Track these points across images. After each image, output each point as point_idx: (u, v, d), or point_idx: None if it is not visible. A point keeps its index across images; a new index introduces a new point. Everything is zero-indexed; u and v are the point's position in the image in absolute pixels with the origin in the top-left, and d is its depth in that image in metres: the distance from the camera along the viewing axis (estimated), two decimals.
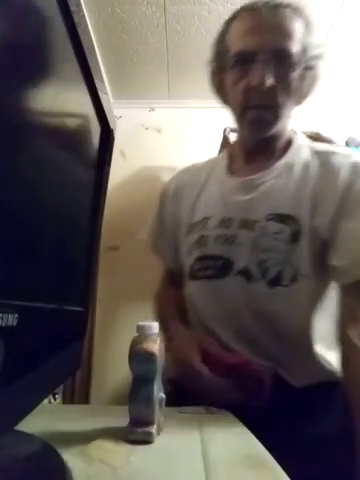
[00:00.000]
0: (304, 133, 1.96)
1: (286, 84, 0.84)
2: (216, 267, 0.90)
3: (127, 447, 0.53)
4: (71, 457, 0.48)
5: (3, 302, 0.31)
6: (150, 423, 0.56)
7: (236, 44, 0.86)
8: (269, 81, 0.81)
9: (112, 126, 0.67)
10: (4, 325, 0.30)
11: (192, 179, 1.07)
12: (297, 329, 0.84)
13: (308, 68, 0.87)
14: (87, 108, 0.57)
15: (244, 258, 0.86)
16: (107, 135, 0.66)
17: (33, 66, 0.36)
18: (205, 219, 0.96)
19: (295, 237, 0.83)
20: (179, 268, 1.05)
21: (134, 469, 0.47)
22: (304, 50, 0.84)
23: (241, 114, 0.89)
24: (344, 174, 0.83)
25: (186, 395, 0.80)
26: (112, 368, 2.14)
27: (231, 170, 1.00)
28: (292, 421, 0.79)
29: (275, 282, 0.83)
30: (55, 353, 0.49)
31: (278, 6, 0.83)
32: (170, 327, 0.95)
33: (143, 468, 0.48)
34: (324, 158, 0.89)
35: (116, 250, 2.32)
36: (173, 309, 1.04)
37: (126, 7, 1.79)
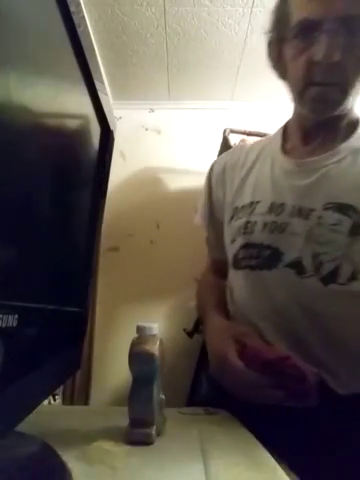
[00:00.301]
0: None
1: (357, 58, 0.73)
2: (262, 257, 0.81)
3: (127, 448, 0.53)
4: (71, 458, 0.48)
5: (3, 303, 0.31)
6: (150, 424, 0.56)
7: (299, 11, 0.75)
8: (337, 55, 0.70)
9: (112, 127, 0.67)
10: (4, 326, 0.30)
11: (240, 159, 0.97)
12: (353, 333, 0.74)
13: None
14: (87, 109, 0.57)
15: (296, 249, 0.77)
16: (107, 136, 0.66)
17: (33, 67, 0.37)
18: (253, 203, 0.86)
19: (356, 230, 0.73)
20: (224, 257, 0.96)
21: (134, 470, 0.47)
22: None
23: (302, 91, 0.78)
24: None
25: (223, 392, 0.75)
26: (112, 369, 2.14)
27: (285, 150, 0.89)
28: (335, 430, 0.70)
29: (330, 279, 0.74)
30: (55, 354, 0.49)
31: None
32: (207, 318, 0.89)
33: (143, 469, 0.48)
34: None
35: (116, 251, 2.32)
36: (212, 298, 0.94)
37: (126, 8, 1.79)
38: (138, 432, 0.56)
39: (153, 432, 0.56)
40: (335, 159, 0.80)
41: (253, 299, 0.83)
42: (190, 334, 2.01)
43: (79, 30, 0.48)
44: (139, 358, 0.57)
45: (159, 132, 2.48)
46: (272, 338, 0.77)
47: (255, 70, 2.19)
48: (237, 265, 0.87)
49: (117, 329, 2.18)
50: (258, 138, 1.97)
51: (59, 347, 0.52)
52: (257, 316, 0.81)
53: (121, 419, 0.58)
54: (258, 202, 0.85)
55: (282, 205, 0.81)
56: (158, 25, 1.88)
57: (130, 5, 1.77)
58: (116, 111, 2.10)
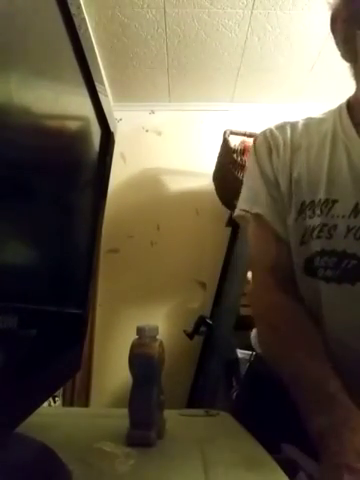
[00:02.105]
0: None
1: None
2: (346, 268, 0.68)
3: (127, 450, 0.53)
4: (71, 460, 0.48)
5: (4, 305, 0.31)
6: (150, 426, 0.56)
7: None
8: None
9: (112, 129, 0.67)
10: (4, 327, 0.30)
11: (295, 139, 0.79)
12: None
13: None
14: (87, 111, 0.57)
15: None
16: (107, 138, 0.66)
17: (34, 69, 0.37)
18: (329, 201, 0.71)
19: None
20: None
21: (134, 472, 0.47)
22: None
23: None
24: None
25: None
26: (112, 371, 2.14)
27: None
28: None
29: None
30: (55, 356, 0.49)
31: None
32: (334, 406, 0.55)
33: (143, 471, 0.48)
34: None
35: (116, 253, 2.32)
36: (320, 356, 0.63)
37: (126, 10, 1.79)
38: (138, 434, 0.56)
39: (153, 434, 0.56)
40: None
41: (329, 320, 0.70)
42: (190, 335, 2.01)
43: (80, 32, 0.48)
44: (139, 360, 0.57)
45: (159, 134, 2.48)
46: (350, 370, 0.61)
47: (255, 72, 2.19)
48: (311, 273, 0.72)
49: (117, 331, 2.18)
50: None
51: (59, 349, 0.52)
52: (346, 333, 0.68)
53: (121, 421, 0.58)
54: (336, 201, 0.70)
55: None
56: (158, 27, 1.89)
57: (130, 7, 1.77)
58: (116, 113, 2.11)
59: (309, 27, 1.87)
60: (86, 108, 0.57)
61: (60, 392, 1.81)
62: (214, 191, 2.15)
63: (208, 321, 2.04)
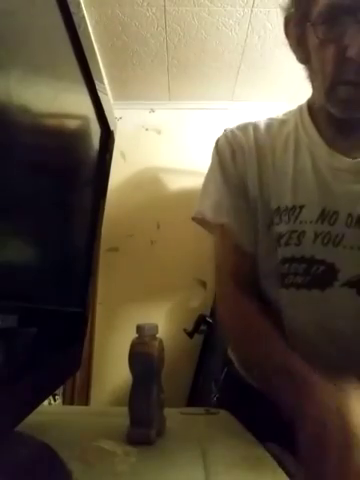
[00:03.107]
0: None
1: None
2: (314, 274, 0.69)
3: (127, 448, 0.53)
4: (71, 458, 0.48)
5: (3, 303, 0.31)
6: (150, 424, 0.56)
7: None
8: None
9: (112, 127, 0.67)
10: (4, 326, 0.30)
11: (261, 141, 0.77)
12: None
13: None
14: (87, 109, 0.57)
15: (356, 265, 0.67)
16: (107, 136, 0.66)
17: (33, 68, 0.37)
18: (296, 208, 0.71)
19: None
20: (253, 251, 0.76)
21: (134, 470, 0.47)
22: None
23: (329, 89, 0.66)
24: None
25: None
26: (112, 369, 2.14)
27: (326, 139, 0.73)
28: None
29: None
30: (55, 354, 0.50)
31: None
32: (298, 372, 0.55)
33: (143, 469, 0.48)
34: None
35: (116, 251, 2.32)
36: (279, 345, 0.62)
37: (126, 9, 1.79)
38: (138, 432, 0.56)
39: (153, 432, 0.56)
40: None
41: (301, 325, 0.71)
42: (190, 334, 2.01)
43: (79, 30, 0.48)
44: (139, 358, 0.57)
45: (159, 132, 2.48)
46: (336, 365, 0.64)
47: (255, 70, 2.19)
48: (281, 283, 0.72)
49: (117, 329, 2.18)
50: None
51: (59, 347, 0.52)
52: (306, 346, 0.67)
53: (121, 419, 0.58)
54: (303, 207, 0.71)
55: (336, 212, 0.69)
56: (158, 25, 1.88)
57: (130, 5, 1.77)
58: (116, 111, 2.10)
59: None
60: (86, 107, 0.57)
61: (60, 390, 1.81)
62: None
63: (208, 320, 2.04)
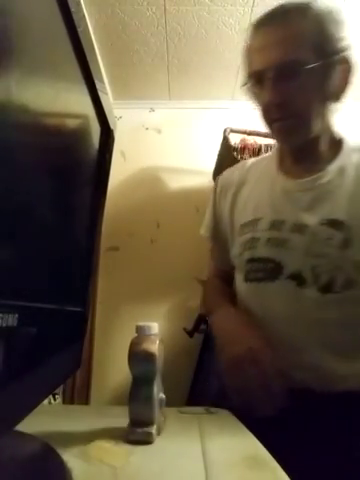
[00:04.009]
0: None
1: (301, 93, 0.82)
2: (266, 270, 0.88)
3: (127, 447, 0.53)
4: (71, 457, 0.48)
5: (4, 302, 0.31)
6: (150, 423, 0.56)
7: (249, 65, 0.88)
8: (276, 98, 0.82)
9: (112, 127, 0.67)
10: (5, 325, 0.31)
11: (242, 177, 1.04)
12: (350, 335, 0.82)
13: (331, 65, 0.81)
14: (87, 109, 0.57)
15: (296, 262, 0.85)
16: (107, 136, 0.66)
17: (33, 67, 0.37)
18: (255, 220, 0.93)
19: (347, 243, 0.81)
20: (228, 269, 1.04)
21: (134, 469, 0.47)
22: (321, 49, 0.80)
23: (269, 127, 0.89)
24: None
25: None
26: (112, 368, 2.14)
27: (282, 169, 0.96)
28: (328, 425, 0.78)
29: (327, 289, 0.81)
30: (55, 353, 0.50)
31: (283, 14, 0.83)
32: (217, 310, 0.96)
33: (143, 468, 0.48)
34: None
35: (116, 251, 2.32)
36: (222, 298, 1.01)
37: (126, 8, 1.79)
38: (138, 431, 0.56)
39: (153, 431, 0.56)
40: (326, 179, 0.88)
41: (260, 308, 0.91)
42: (190, 333, 2.01)
43: (79, 30, 0.48)
44: (139, 358, 0.57)
45: (159, 131, 2.47)
46: (275, 344, 0.82)
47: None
48: (246, 278, 0.94)
49: (117, 329, 2.18)
50: (258, 137, 1.97)
51: (59, 346, 0.52)
52: (264, 324, 0.87)
53: (121, 418, 0.58)
54: (260, 219, 0.92)
55: (282, 222, 0.89)
56: (158, 24, 1.88)
57: (130, 4, 1.77)
58: (116, 111, 2.10)
59: None
60: (86, 106, 0.57)
61: (60, 390, 1.81)
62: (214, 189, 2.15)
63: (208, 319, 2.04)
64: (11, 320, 0.32)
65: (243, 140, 1.93)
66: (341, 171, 0.88)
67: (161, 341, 0.60)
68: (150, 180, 2.40)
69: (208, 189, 2.22)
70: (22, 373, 0.37)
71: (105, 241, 2.18)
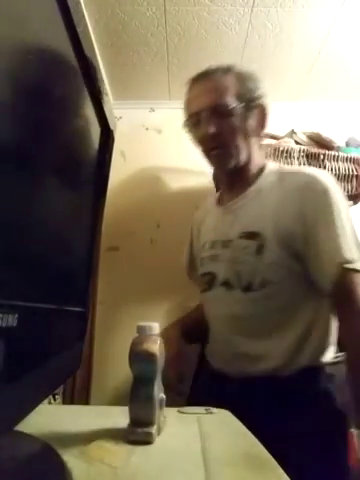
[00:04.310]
0: (304, 134, 1.96)
1: (228, 128, 1.05)
2: (207, 282, 1.13)
3: (127, 447, 0.53)
4: (71, 458, 0.48)
5: (3, 302, 0.31)
6: (150, 423, 0.56)
7: (188, 110, 1.16)
8: (211, 129, 1.04)
9: (112, 127, 0.67)
10: (4, 325, 0.30)
11: (203, 213, 1.32)
12: (268, 326, 1.01)
13: (250, 108, 1.08)
14: (87, 109, 0.57)
15: (225, 272, 1.07)
16: (107, 136, 0.66)
17: (33, 67, 0.37)
18: (204, 244, 1.19)
19: (260, 250, 1.00)
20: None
21: (134, 469, 0.47)
22: (241, 97, 1.06)
23: (205, 156, 1.14)
24: (299, 192, 0.99)
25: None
26: (112, 368, 2.14)
27: (219, 200, 1.24)
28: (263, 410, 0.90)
29: (247, 288, 1.01)
30: (55, 353, 0.50)
31: (212, 72, 1.11)
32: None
33: (143, 468, 0.48)
34: (285, 179, 1.06)
35: (116, 250, 2.32)
36: (185, 319, 1.38)
37: (126, 8, 1.79)
38: (138, 431, 0.56)
39: (153, 431, 0.56)
40: (245, 200, 1.10)
41: (207, 313, 1.17)
42: None
43: (79, 30, 0.48)
44: (139, 358, 0.57)
45: (160, 132, 2.47)
46: (215, 339, 1.14)
47: (255, 70, 2.18)
48: (200, 290, 1.20)
49: (117, 328, 2.18)
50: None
51: (59, 346, 0.52)
52: (211, 324, 1.15)
53: (121, 418, 0.58)
54: (206, 242, 1.19)
55: (216, 241, 1.13)
56: (158, 24, 1.88)
57: (130, 5, 1.77)
58: (116, 111, 2.10)
59: (309, 25, 1.87)
60: (86, 106, 0.57)
61: (60, 390, 1.81)
62: (214, 189, 2.15)
63: None
64: (11, 320, 0.32)
65: None
66: (258, 192, 1.08)
67: (162, 341, 0.60)
68: (150, 180, 2.40)
69: (208, 189, 2.22)
70: (22, 373, 0.37)
71: (105, 241, 2.18)
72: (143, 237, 2.34)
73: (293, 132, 1.97)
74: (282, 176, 1.07)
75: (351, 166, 1.85)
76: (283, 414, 0.90)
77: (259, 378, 0.97)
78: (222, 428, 0.65)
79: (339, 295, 0.94)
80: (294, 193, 1.00)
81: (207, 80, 1.11)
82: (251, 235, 1.02)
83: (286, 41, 1.96)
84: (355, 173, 1.85)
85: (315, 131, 1.96)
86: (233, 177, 1.14)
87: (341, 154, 1.86)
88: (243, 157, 1.08)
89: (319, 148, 1.89)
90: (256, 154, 1.12)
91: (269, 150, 1.82)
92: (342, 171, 1.84)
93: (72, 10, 0.45)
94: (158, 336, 0.60)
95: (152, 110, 2.49)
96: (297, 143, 1.93)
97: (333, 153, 1.85)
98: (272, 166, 1.14)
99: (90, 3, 1.73)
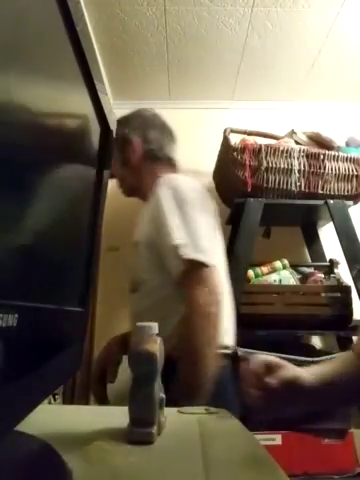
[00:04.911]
0: (304, 134, 1.96)
1: (121, 178, 1.47)
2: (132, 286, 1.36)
3: (127, 447, 0.53)
4: (71, 458, 0.48)
5: (3, 302, 0.31)
6: (150, 423, 0.56)
7: None
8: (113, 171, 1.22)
9: (112, 127, 0.67)
10: (4, 325, 0.30)
11: None
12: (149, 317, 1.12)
13: (119, 150, 1.39)
14: (87, 109, 0.57)
15: (130, 277, 1.36)
16: (107, 136, 0.66)
17: (33, 67, 0.37)
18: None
19: (137, 255, 1.25)
20: None
21: (134, 469, 0.47)
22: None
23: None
24: (153, 201, 1.21)
25: None
26: None
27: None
28: None
29: (134, 290, 1.29)
30: (55, 354, 0.49)
31: None
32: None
33: (143, 468, 0.48)
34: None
35: (116, 251, 2.32)
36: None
37: (126, 8, 1.79)
38: (138, 431, 0.56)
39: (153, 431, 0.56)
40: (141, 214, 1.32)
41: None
42: None
43: (79, 30, 0.48)
44: (139, 357, 0.57)
45: None
46: None
47: (255, 70, 2.19)
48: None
49: (117, 328, 2.18)
50: (258, 137, 1.97)
51: (59, 347, 0.52)
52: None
53: (121, 418, 0.58)
54: (137, 242, 1.33)
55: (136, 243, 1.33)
56: (158, 25, 1.88)
57: (130, 5, 1.77)
58: (116, 111, 2.10)
59: (309, 25, 1.87)
60: (85, 106, 0.57)
61: (60, 390, 1.81)
62: (214, 189, 2.15)
63: None
64: (11, 320, 0.32)
65: (243, 140, 1.93)
66: (147, 205, 1.29)
67: (161, 341, 0.60)
68: None
69: (208, 189, 2.22)
70: (22, 373, 0.37)
71: (105, 241, 2.18)
72: None
73: (293, 132, 1.97)
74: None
75: (351, 166, 1.85)
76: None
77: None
78: (222, 428, 0.65)
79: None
80: (152, 203, 1.24)
81: None
82: (136, 243, 1.27)
83: (286, 41, 1.96)
84: (355, 173, 1.85)
85: (315, 131, 1.96)
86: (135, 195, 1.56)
87: (341, 154, 1.86)
88: (133, 182, 1.50)
89: (319, 148, 1.89)
90: (148, 178, 1.40)
91: (269, 150, 1.82)
92: (342, 171, 1.84)
93: (72, 10, 0.45)
94: (157, 336, 0.60)
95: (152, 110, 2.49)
96: (297, 143, 1.93)
97: (333, 153, 1.85)
98: (165, 181, 1.31)
99: (90, 3, 1.73)
